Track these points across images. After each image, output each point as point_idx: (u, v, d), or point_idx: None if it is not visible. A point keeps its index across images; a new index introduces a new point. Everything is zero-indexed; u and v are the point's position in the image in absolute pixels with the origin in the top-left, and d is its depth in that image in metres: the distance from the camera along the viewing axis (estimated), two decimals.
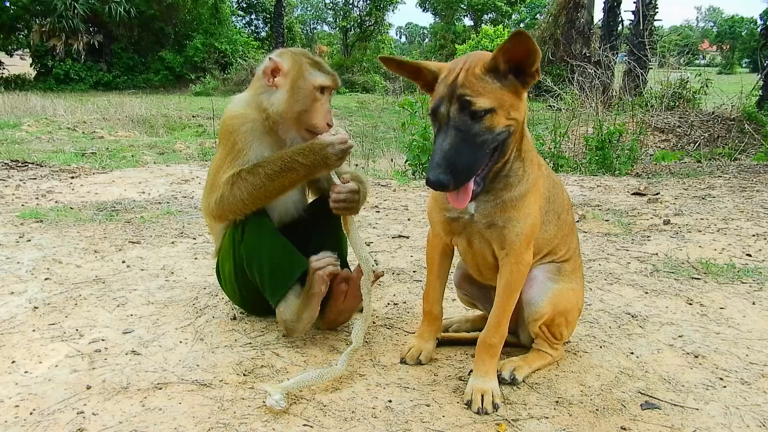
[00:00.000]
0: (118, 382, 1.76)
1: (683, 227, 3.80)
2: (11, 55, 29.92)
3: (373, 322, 2.27)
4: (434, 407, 1.66)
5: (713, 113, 11.02)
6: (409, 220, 4.05)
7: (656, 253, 3.22)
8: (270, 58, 1.98)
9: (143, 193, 4.86)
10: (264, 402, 1.64)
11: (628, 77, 14.90)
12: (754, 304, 2.50)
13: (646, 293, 2.63)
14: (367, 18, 39.77)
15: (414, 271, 2.90)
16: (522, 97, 1.54)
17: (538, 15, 36.37)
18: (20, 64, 29.20)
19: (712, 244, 3.39)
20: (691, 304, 2.51)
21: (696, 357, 2.01)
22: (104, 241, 3.32)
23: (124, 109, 15.40)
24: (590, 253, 3.22)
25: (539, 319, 1.83)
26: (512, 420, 1.61)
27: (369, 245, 3.36)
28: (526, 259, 1.72)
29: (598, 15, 18.78)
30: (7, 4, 27.56)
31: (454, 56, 29.88)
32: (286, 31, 31.61)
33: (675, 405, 1.70)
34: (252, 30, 38.43)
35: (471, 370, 1.77)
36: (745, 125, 10.28)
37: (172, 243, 3.32)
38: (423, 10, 46.05)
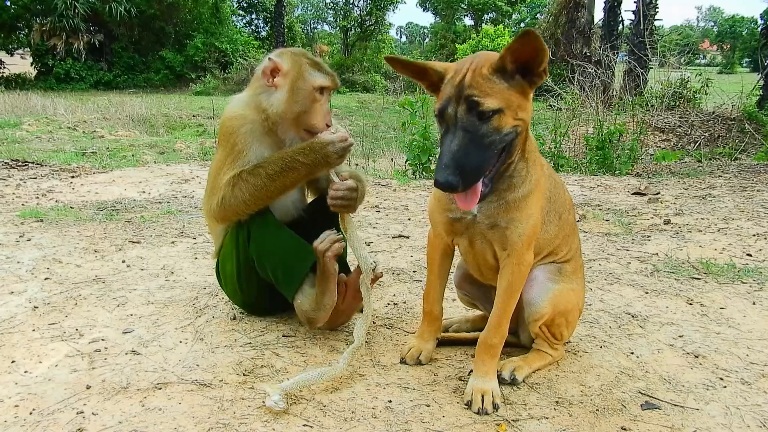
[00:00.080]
0: (117, 381, 1.76)
1: (684, 227, 3.80)
2: (12, 54, 29.93)
3: (373, 322, 2.26)
4: (434, 407, 1.66)
5: (714, 113, 11.01)
6: (409, 219, 4.05)
7: (656, 253, 3.22)
8: (269, 59, 1.98)
9: (143, 192, 4.86)
10: (263, 402, 1.64)
11: (629, 77, 14.90)
12: (754, 304, 2.50)
13: (647, 293, 2.63)
14: (367, 17, 39.75)
15: (414, 271, 2.90)
16: (529, 97, 1.54)
17: (538, 15, 36.36)
18: (21, 64, 29.20)
19: (712, 243, 3.39)
20: (691, 304, 2.50)
21: (696, 357, 2.01)
22: (104, 240, 3.32)
23: (124, 109, 15.40)
24: (590, 252, 3.22)
25: (539, 320, 1.83)
26: (512, 420, 1.61)
27: (369, 245, 3.36)
28: (528, 260, 1.72)
29: (599, 15, 18.78)
30: (8, 3, 27.56)
31: (455, 56, 29.93)
32: (286, 30, 31.60)
33: (675, 405, 1.70)
34: (252, 29, 38.43)
35: (471, 371, 1.77)
36: (746, 125, 10.27)
37: (173, 243, 3.31)
38: (423, 10, 45.98)
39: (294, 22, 37.92)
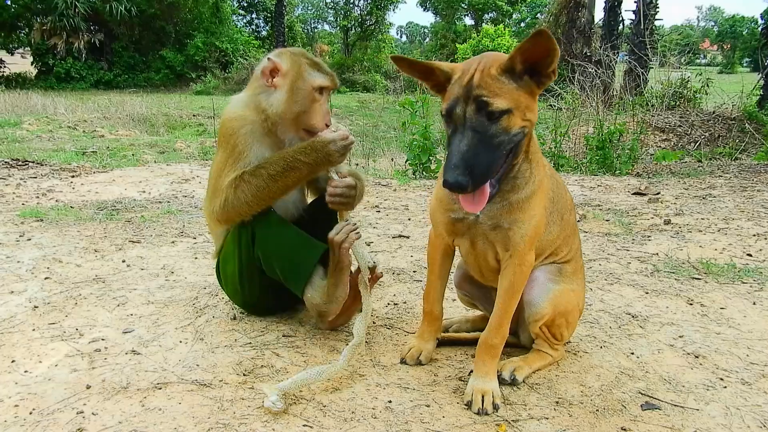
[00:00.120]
0: (117, 381, 1.76)
1: (684, 227, 3.80)
2: (12, 54, 29.93)
3: (373, 322, 2.26)
4: (434, 408, 1.66)
5: (714, 113, 11.02)
6: (409, 219, 4.05)
7: (657, 253, 3.22)
8: (268, 59, 1.98)
9: (144, 192, 4.86)
10: (263, 402, 1.64)
11: (629, 77, 14.90)
12: (754, 304, 2.50)
13: (647, 293, 2.63)
14: (367, 17, 39.72)
15: (414, 271, 2.89)
16: (536, 97, 1.53)
17: (538, 14, 36.37)
18: (21, 63, 29.21)
19: (712, 244, 3.39)
20: (691, 304, 2.50)
21: (696, 357, 2.01)
22: (104, 240, 3.32)
23: (124, 108, 15.39)
24: (591, 253, 3.22)
25: (540, 320, 1.83)
26: (512, 421, 1.61)
27: (369, 245, 3.36)
28: (529, 261, 1.72)
29: (599, 14, 18.74)
30: (8, 2, 27.55)
31: (455, 56, 29.91)
32: (286, 30, 31.58)
33: (675, 405, 1.70)
34: (253, 29, 38.40)
35: (471, 371, 1.77)
36: (746, 125, 10.28)
37: (173, 242, 3.31)
38: (424, 10, 45.95)
39: (294, 21, 37.90)
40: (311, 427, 1.55)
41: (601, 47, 16.19)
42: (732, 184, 5.47)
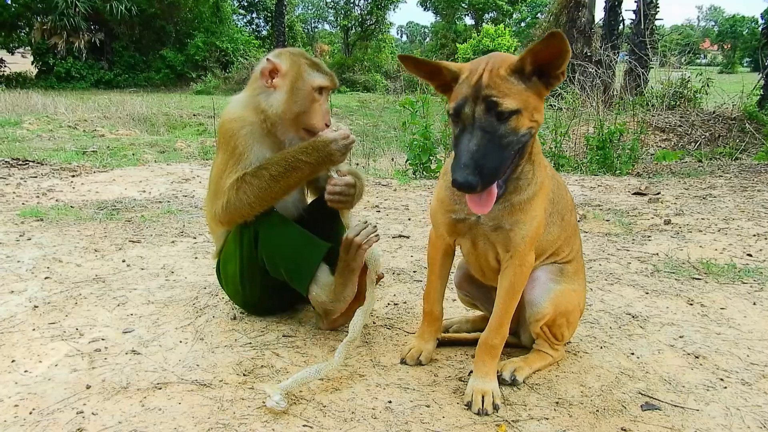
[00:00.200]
0: (117, 381, 1.76)
1: (684, 227, 3.80)
2: (12, 53, 29.91)
3: (373, 322, 2.27)
4: (434, 408, 1.66)
5: (714, 113, 11.02)
6: (409, 219, 4.04)
7: (657, 253, 3.22)
8: (267, 59, 1.97)
9: (144, 191, 4.86)
10: (264, 403, 1.64)
11: (629, 76, 14.89)
12: (755, 304, 2.50)
13: (647, 293, 2.63)
14: (368, 17, 39.71)
15: (414, 271, 2.89)
16: (543, 99, 1.53)
17: (539, 14, 36.33)
18: (21, 62, 29.20)
19: (712, 244, 3.39)
20: (691, 304, 2.50)
21: (697, 358, 2.01)
22: (104, 240, 3.32)
23: (125, 108, 15.39)
24: (591, 253, 3.22)
25: (540, 320, 1.83)
26: (512, 421, 1.61)
27: None
28: (530, 261, 1.72)
29: (599, 14, 18.72)
30: (9, 1, 27.54)
31: (455, 55, 29.89)
32: (287, 29, 31.57)
33: (675, 406, 1.70)
34: (253, 29, 38.39)
35: (471, 371, 1.77)
36: (746, 125, 10.28)
37: (173, 242, 3.31)
38: (424, 9, 45.95)
39: (295, 21, 37.91)
40: (311, 427, 1.55)
41: (601, 47, 16.18)
42: (732, 184, 5.47)
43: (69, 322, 2.18)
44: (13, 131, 10.44)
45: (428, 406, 1.67)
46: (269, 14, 36.36)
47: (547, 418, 1.62)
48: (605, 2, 18.04)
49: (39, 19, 26.60)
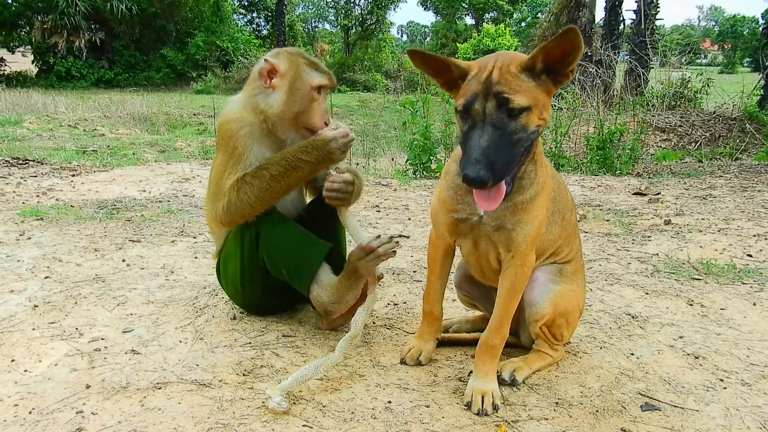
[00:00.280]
0: (117, 381, 1.76)
1: (684, 227, 3.80)
2: (13, 52, 29.92)
3: (373, 323, 2.27)
4: (434, 408, 1.66)
5: (714, 113, 11.02)
6: (409, 219, 4.04)
7: (657, 254, 3.22)
8: (266, 60, 1.97)
9: (144, 191, 4.86)
10: (263, 403, 1.64)
11: (630, 76, 14.88)
12: (754, 304, 2.49)
13: (647, 294, 2.63)
14: (368, 16, 39.71)
15: (414, 271, 2.89)
16: (551, 97, 1.54)
17: (539, 14, 36.31)
18: (22, 61, 29.20)
19: (713, 244, 3.39)
20: (691, 304, 2.50)
21: (696, 358, 2.00)
22: (104, 239, 3.32)
23: (125, 107, 15.41)
24: (591, 253, 3.22)
25: (540, 320, 1.83)
26: (512, 421, 1.61)
27: None
28: (530, 261, 1.72)
29: (600, 14, 18.72)
30: (9, 0, 27.55)
31: (456, 55, 29.89)
32: (287, 29, 31.57)
33: (675, 406, 1.70)
34: (253, 28, 38.40)
35: (471, 371, 1.77)
36: (747, 125, 10.28)
37: (173, 242, 3.31)
38: (424, 9, 45.95)
39: (295, 20, 37.90)
40: (311, 427, 1.55)
41: (601, 47, 16.16)
42: (732, 185, 5.47)
43: (69, 322, 2.18)
44: (13, 130, 10.45)
45: (428, 407, 1.67)
46: (270, 13, 36.36)
47: (547, 419, 1.62)
48: (606, 2, 18.03)
49: (39, 18, 26.61)
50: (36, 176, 5.33)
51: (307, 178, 2.01)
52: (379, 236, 2.00)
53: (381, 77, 30.48)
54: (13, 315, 2.23)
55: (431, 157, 6.29)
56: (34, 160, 6.27)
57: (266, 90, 1.98)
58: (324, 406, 1.65)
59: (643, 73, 14.33)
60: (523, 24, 43.84)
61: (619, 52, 17.27)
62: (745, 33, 60.01)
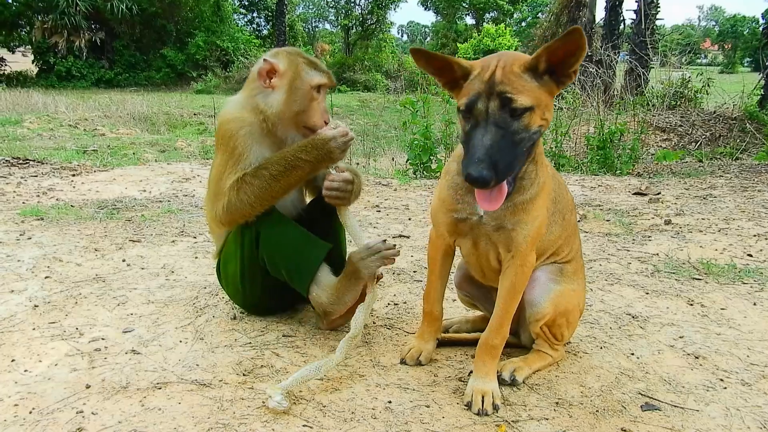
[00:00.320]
0: (117, 381, 1.76)
1: (684, 227, 3.79)
2: (13, 52, 29.92)
3: (373, 323, 2.27)
4: (434, 408, 1.66)
5: (715, 112, 11.02)
6: (409, 219, 4.04)
7: (657, 254, 3.22)
8: (264, 60, 1.97)
9: (144, 191, 4.86)
10: (263, 402, 1.64)
11: (630, 76, 14.88)
12: (755, 304, 2.49)
13: (647, 294, 2.63)
14: (368, 16, 39.69)
15: (414, 271, 2.89)
16: (553, 97, 1.54)
17: (539, 14, 36.31)
18: (22, 61, 29.21)
19: (713, 244, 3.39)
20: (692, 304, 2.50)
21: (697, 358, 2.00)
22: (105, 239, 3.32)
23: (125, 107, 15.41)
24: (591, 253, 3.22)
25: (540, 320, 1.83)
26: (512, 421, 1.61)
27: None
28: (531, 261, 1.72)
29: (600, 14, 18.73)
30: (10, 0, 27.55)
31: (456, 55, 29.84)
32: (287, 29, 31.58)
33: (675, 406, 1.70)
34: (254, 28, 38.39)
35: (471, 371, 1.77)
36: (747, 125, 10.27)
37: (173, 242, 3.31)
38: (425, 9, 45.94)
39: (295, 20, 37.89)
40: (311, 427, 1.55)
41: (602, 47, 16.16)
42: (733, 184, 5.47)
43: (69, 322, 2.18)
44: (13, 130, 10.45)
45: (428, 407, 1.67)
46: (270, 13, 36.36)
47: (547, 419, 1.62)
48: (606, 2, 18.03)
49: (40, 18, 26.61)
50: (36, 176, 5.33)
51: (306, 178, 2.01)
52: (384, 240, 2.00)
53: (381, 77, 30.49)
54: (14, 315, 2.23)
55: (431, 157, 6.29)
56: (34, 160, 6.27)
57: (266, 90, 1.98)
58: (324, 406, 1.65)
59: (643, 72, 14.33)
60: (523, 24, 43.85)
61: (619, 52, 17.28)
62: (745, 33, 60.00)
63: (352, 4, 41.47)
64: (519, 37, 36.19)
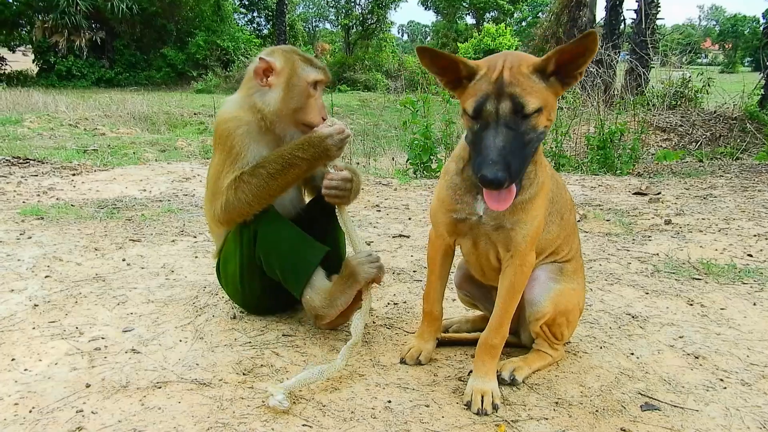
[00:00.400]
0: (117, 380, 1.76)
1: (684, 227, 3.79)
2: (14, 51, 29.91)
3: (373, 322, 2.27)
4: (434, 408, 1.66)
5: (715, 112, 11.02)
6: (409, 219, 4.04)
7: (657, 254, 3.22)
8: (261, 58, 1.98)
9: (144, 190, 4.86)
10: (263, 402, 1.64)
11: (630, 76, 14.87)
12: (755, 304, 2.49)
13: (647, 294, 2.63)
14: (369, 16, 39.64)
15: (414, 271, 2.89)
16: (558, 98, 1.55)
17: (540, 13, 36.31)
18: (22, 61, 29.22)
19: (713, 244, 3.39)
20: (691, 304, 2.50)
21: (696, 358, 2.00)
22: (105, 238, 3.32)
23: (125, 106, 15.40)
24: (591, 253, 3.22)
25: (540, 319, 1.83)
26: (512, 421, 1.61)
27: (369, 244, 3.35)
28: (530, 261, 1.72)
29: (601, 13, 18.72)
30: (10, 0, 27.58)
31: (456, 54, 29.75)
32: (288, 28, 31.57)
33: (675, 406, 1.70)
34: (254, 27, 38.36)
35: (471, 371, 1.77)
36: (747, 124, 10.27)
37: (173, 241, 3.31)
38: (425, 9, 45.89)
39: (296, 20, 37.89)
40: (311, 426, 1.55)
41: (602, 46, 16.15)
42: (733, 184, 5.47)
43: (69, 321, 2.19)
44: (14, 129, 10.45)
45: (428, 406, 1.67)
46: (270, 13, 36.34)
47: (547, 418, 1.62)
48: (606, 2, 18.02)
49: (40, 18, 26.60)
50: (36, 175, 5.33)
51: (304, 176, 2.01)
52: (370, 254, 1.99)
53: (381, 77, 30.46)
54: (14, 314, 2.23)
55: (432, 157, 6.29)
56: (34, 160, 6.27)
57: (263, 88, 1.98)
58: (324, 406, 1.65)
59: (643, 72, 14.33)
60: (523, 23, 43.84)
61: (619, 52, 17.26)
62: (745, 32, 59.98)
63: (353, 4, 41.43)
64: (519, 36, 36.17)
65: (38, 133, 10.40)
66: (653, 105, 11.32)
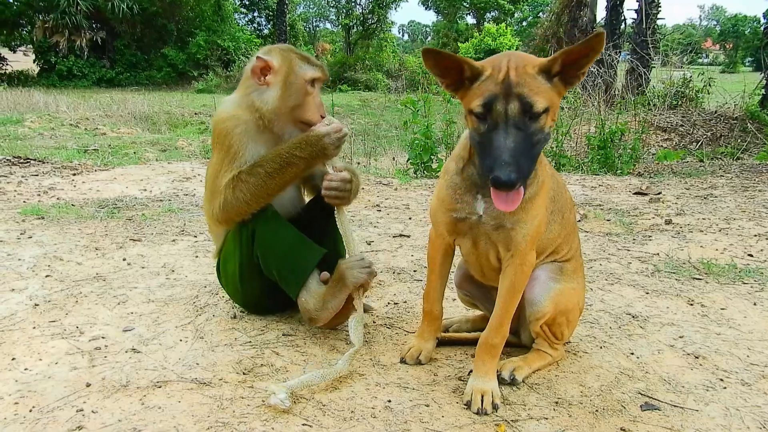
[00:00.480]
0: (117, 380, 1.76)
1: (685, 227, 3.79)
2: (14, 51, 29.94)
3: (373, 322, 2.27)
4: (433, 407, 1.66)
5: (716, 112, 11.01)
6: (410, 219, 4.04)
7: (657, 253, 3.22)
8: (258, 57, 1.98)
9: (145, 190, 4.86)
10: (263, 401, 1.64)
11: (631, 76, 14.87)
12: (755, 304, 2.49)
13: (647, 293, 2.63)
14: (369, 16, 39.65)
15: (414, 271, 2.89)
16: (561, 98, 1.55)
17: (540, 13, 36.29)
18: (23, 60, 29.24)
19: (713, 244, 3.38)
20: (692, 304, 2.50)
21: (696, 358, 2.00)
22: (105, 238, 3.32)
23: (126, 106, 15.40)
24: (591, 252, 3.21)
25: (541, 319, 1.83)
26: (512, 421, 1.61)
27: (370, 244, 3.36)
28: (530, 260, 1.72)
29: (601, 13, 18.70)
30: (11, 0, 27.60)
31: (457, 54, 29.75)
32: (288, 28, 31.57)
33: (675, 406, 1.70)
34: (255, 27, 38.36)
35: (471, 371, 1.77)
36: (748, 124, 10.27)
37: (173, 241, 3.32)
38: (425, 8, 45.90)
39: (296, 20, 37.91)
40: (311, 426, 1.55)
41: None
42: (733, 184, 5.47)
43: (69, 321, 2.19)
44: (14, 129, 10.45)
45: (427, 406, 1.67)
46: (271, 13, 36.33)
47: (547, 418, 1.62)
48: (607, 1, 18.00)
49: (41, 18, 26.63)
50: (37, 175, 5.34)
51: (301, 174, 2.01)
52: (362, 258, 1.99)
53: (382, 76, 30.46)
54: (14, 313, 2.23)
55: (432, 157, 6.29)
56: (35, 159, 6.28)
57: (260, 87, 1.98)
58: (324, 405, 1.65)
59: (644, 72, 14.32)
60: (524, 23, 43.85)
61: (620, 52, 17.24)
62: (746, 32, 59.92)
63: (353, 4, 41.42)
64: (520, 36, 36.17)
65: (39, 132, 10.40)
66: (654, 105, 11.32)
